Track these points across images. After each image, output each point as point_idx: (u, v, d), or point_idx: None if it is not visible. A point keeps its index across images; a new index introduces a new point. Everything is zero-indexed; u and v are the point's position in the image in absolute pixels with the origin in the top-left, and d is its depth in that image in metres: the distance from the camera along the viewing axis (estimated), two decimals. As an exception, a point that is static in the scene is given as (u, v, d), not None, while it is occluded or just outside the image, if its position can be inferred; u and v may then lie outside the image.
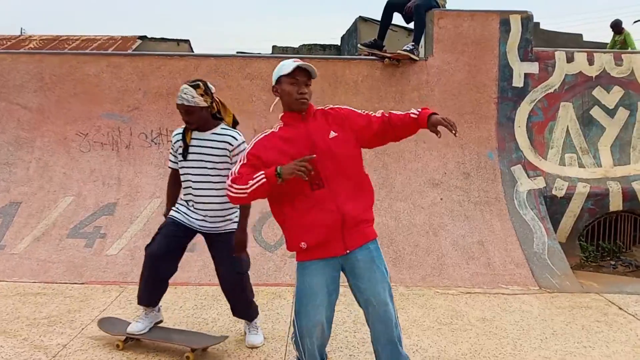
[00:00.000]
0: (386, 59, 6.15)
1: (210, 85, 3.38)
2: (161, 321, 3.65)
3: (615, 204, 5.99)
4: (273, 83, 2.72)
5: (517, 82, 6.20)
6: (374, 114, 2.76)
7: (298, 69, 2.60)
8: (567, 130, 6.24)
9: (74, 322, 3.90)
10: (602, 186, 6.01)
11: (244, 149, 2.92)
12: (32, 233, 5.28)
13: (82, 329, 3.79)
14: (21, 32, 29.19)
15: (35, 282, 4.65)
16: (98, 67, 6.08)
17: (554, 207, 5.93)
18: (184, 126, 3.38)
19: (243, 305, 3.61)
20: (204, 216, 3.40)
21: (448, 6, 6.42)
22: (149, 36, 17.31)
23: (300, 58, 6.54)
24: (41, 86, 6.12)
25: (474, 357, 3.51)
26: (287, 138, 2.61)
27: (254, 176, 2.50)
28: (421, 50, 6.31)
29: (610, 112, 6.29)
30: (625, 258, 6.01)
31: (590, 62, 6.31)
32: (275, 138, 2.64)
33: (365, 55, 6.39)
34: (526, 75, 6.22)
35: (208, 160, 3.35)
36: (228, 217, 3.46)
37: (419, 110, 2.69)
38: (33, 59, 6.20)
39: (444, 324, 4.08)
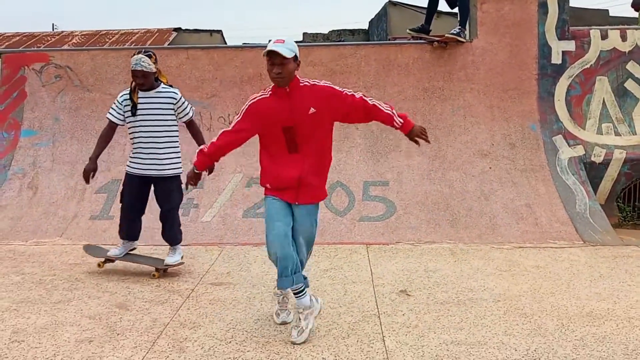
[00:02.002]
0: (435, 42, 6.76)
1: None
2: (134, 248, 4.81)
3: (650, 167, 6.54)
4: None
5: (556, 59, 6.76)
6: (354, 94, 3.38)
7: (268, 52, 3.16)
8: (604, 102, 6.79)
9: (192, 273, 4.67)
10: (638, 152, 6.56)
11: (185, 101, 4.55)
12: (133, 206, 6.07)
13: (201, 277, 4.56)
14: (53, 28, 30.25)
15: (146, 245, 5.43)
16: (178, 60, 6.83)
17: (593, 172, 6.50)
18: (128, 89, 4.44)
19: (172, 232, 4.67)
20: (153, 162, 4.42)
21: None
22: (183, 28, 17.96)
23: (357, 45, 7.17)
24: (129, 78, 6.82)
25: (535, 294, 4.17)
26: (273, 106, 3.27)
27: (196, 156, 3.56)
28: (466, 33, 6.88)
29: (643, 84, 6.81)
30: (661, 217, 6.57)
31: (623, 38, 6.82)
32: (263, 103, 3.29)
33: (414, 39, 7.01)
34: (564, 52, 6.77)
35: (157, 114, 4.42)
36: (169, 162, 4.50)
37: (402, 121, 3.45)
38: (120, 55, 6.97)
39: (503, 270, 4.74)
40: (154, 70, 4.41)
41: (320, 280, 4.45)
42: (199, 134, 4.67)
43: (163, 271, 4.61)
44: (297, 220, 3.41)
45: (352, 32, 21.23)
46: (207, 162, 3.59)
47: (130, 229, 4.66)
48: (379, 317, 3.69)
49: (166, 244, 4.75)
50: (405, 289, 4.24)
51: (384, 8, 17.62)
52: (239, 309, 3.83)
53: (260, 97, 3.34)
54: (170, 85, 4.60)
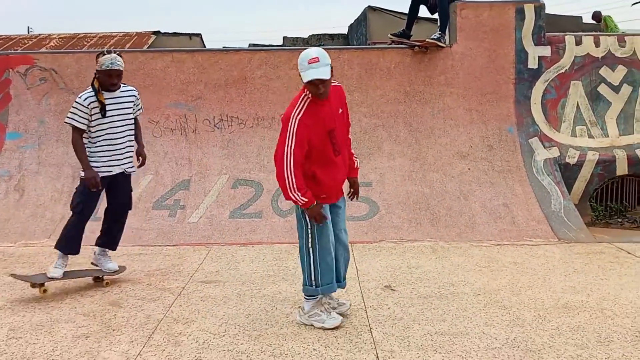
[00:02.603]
0: (416, 47, 6.97)
1: None
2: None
3: (621, 169, 6.83)
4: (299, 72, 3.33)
5: (532, 64, 7.02)
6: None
7: (312, 80, 3.25)
8: (578, 106, 7.07)
9: (182, 272, 4.78)
10: (609, 154, 6.85)
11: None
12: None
13: (191, 276, 4.67)
14: (28, 31, 29.86)
15: (134, 246, 5.52)
16: (164, 62, 6.92)
17: (568, 173, 6.77)
18: (90, 92, 4.19)
19: (120, 235, 4.53)
20: (123, 160, 4.37)
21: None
22: (162, 31, 17.91)
23: (340, 49, 7.33)
24: (113, 81, 6.94)
25: (513, 288, 4.37)
26: (316, 115, 3.34)
27: (302, 196, 3.32)
28: (446, 38, 7.11)
29: (615, 89, 7.10)
30: (631, 216, 6.87)
31: (597, 44, 7.12)
32: (308, 115, 3.31)
33: (395, 44, 7.21)
34: (540, 57, 7.03)
35: (124, 113, 4.36)
36: (132, 159, 4.47)
37: (357, 166, 3.79)
38: (105, 57, 7.03)
39: (482, 266, 4.94)
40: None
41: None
42: (140, 129, 4.67)
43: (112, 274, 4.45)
44: (339, 215, 3.64)
45: (332, 37, 21.41)
46: (310, 192, 3.42)
47: (80, 241, 4.32)
48: (365, 310, 3.85)
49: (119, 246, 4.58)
50: (390, 284, 4.41)
51: (364, 13, 17.82)
52: (230, 305, 3.95)
53: (302, 112, 3.31)
54: (124, 84, 4.48)
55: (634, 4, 14.57)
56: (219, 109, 6.92)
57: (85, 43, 16.75)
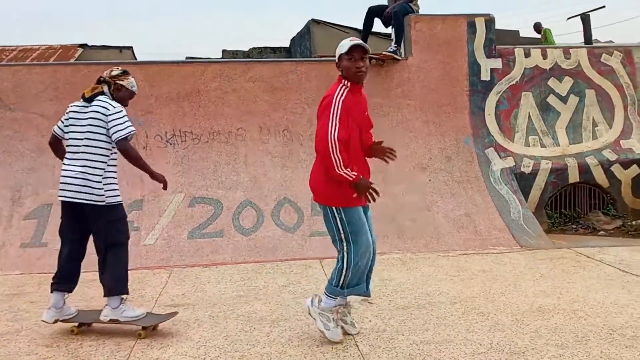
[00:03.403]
0: (372, 60, 6.98)
1: None
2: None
3: (573, 176, 7.06)
4: (336, 60, 3.39)
5: (485, 76, 7.19)
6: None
7: (354, 47, 3.29)
8: (529, 116, 7.28)
9: (145, 297, 4.48)
10: (561, 162, 7.07)
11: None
12: (69, 230, 5.73)
13: (156, 300, 4.38)
14: None
15: (87, 272, 5.12)
16: (113, 77, 6.56)
17: (523, 182, 6.92)
18: (116, 102, 3.67)
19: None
20: None
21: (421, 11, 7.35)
22: (89, 44, 17.09)
23: (297, 62, 7.23)
24: (56, 95, 6.53)
25: (487, 295, 4.36)
26: (354, 102, 3.34)
27: (352, 171, 3.23)
28: (402, 51, 7.17)
29: (563, 99, 7.38)
30: (584, 222, 7.09)
31: (544, 56, 7.39)
32: (350, 98, 3.31)
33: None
34: (492, 70, 7.22)
35: None
36: None
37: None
38: (46, 70, 6.64)
39: (453, 275, 4.92)
40: None
41: (282, 296, 4.40)
42: None
43: (152, 329, 3.72)
44: (369, 220, 3.51)
45: (274, 50, 21.25)
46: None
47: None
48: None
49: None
50: (366, 297, 4.28)
51: (307, 26, 17.87)
52: (204, 328, 3.70)
53: (344, 95, 3.29)
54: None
55: (569, 18, 15.45)
56: (171, 124, 6.64)
57: (4, 57, 15.66)
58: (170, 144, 6.57)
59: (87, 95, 3.71)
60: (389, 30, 7.46)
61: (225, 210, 6.15)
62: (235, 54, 20.29)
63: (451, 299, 4.24)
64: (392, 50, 6.94)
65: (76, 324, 3.63)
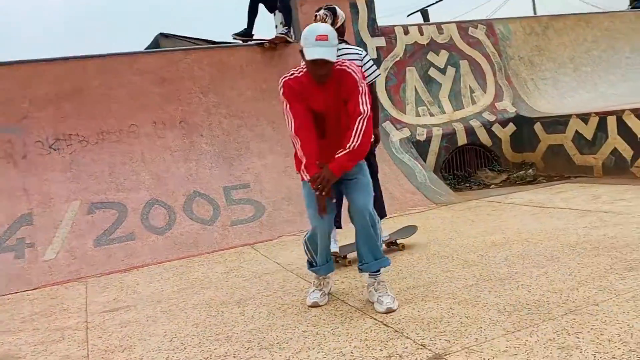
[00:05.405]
0: (265, 43, 6.81)
1: None
2: None
3: (461, 139, 7.56)
4: (300, 47, 2.96)
5: (372, 54, 7.39)
6: (360, 101, 2.95)
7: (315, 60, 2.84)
8: (415, 89, 7.65)
9: (70, 310, 3.81)
10: (450, 128, 7.53)
11: None
12: (-59, 260, 4.71)
13: (85, 310, 3.74)
14: None
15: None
16: (-28, 79, 5.58)
17: (420, 149, 7.24)
18: None
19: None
20: None
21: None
22: None
23: (186, 50, 6.82)
24: None
25: (437, 241, 4.45)
26: (307, 89, 2.96)
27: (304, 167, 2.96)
28: (292, 33, 7.10)
29: (442, 71, 7.87)
30: (475, 179, 7.62)
31: (421, 33, 7.83)
32: (298, 83, 2.97)
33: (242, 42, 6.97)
34: (378, 48, 7.46)
35: None
36: None
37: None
38: None
39: (393, 236, 4.92)
40: None
41: (231, 281, 4.03)
42: None
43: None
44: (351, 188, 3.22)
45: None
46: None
47: None
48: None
49: None
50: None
51: (155, 40, 17.13)
52: (163, 322, 3.23)
53: (294, 77, 3.01)
54: None
55: (409, 15, 16.59)
56: (53, 128, 5.81)
57: None
58: (55, 150, 5.74)
59: None
60: (272, 16, 7.36)
61: (130, 212, 5.52)
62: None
63: (408, 251, 4.25)
64: (283, 32, 6.84)
65: None
